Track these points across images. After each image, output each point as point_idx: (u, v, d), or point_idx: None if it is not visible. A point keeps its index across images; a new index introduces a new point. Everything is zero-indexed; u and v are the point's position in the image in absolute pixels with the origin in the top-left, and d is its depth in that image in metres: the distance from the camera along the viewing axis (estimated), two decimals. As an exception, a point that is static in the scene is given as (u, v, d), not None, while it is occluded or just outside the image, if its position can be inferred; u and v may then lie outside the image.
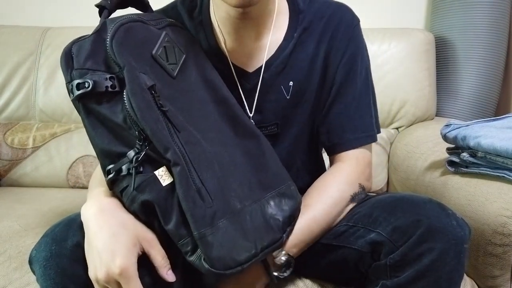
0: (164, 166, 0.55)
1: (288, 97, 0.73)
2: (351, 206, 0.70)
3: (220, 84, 0.66)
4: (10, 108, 1.38)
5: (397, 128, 1.35)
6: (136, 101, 0.53)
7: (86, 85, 0.54)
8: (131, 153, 0.55)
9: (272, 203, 0.63)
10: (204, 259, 0.53)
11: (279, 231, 0.61)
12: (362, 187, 0.72)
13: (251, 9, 0.63)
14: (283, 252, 0.63)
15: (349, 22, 0.74)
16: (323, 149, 0.83)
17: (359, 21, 0.75)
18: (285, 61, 0.72)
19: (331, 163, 0.78)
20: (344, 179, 0.71)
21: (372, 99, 0.77)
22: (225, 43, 0.71)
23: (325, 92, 0.75)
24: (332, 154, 0.77)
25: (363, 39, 0.76)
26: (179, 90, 0.60)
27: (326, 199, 0.69)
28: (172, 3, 0.75)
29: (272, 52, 0.72)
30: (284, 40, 0.72)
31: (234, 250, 0.55)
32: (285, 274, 0.64)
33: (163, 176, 0.55)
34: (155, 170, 0.55)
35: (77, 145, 1.33)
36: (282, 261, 0.63)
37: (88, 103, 0.56)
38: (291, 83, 0.73)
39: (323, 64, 0.73)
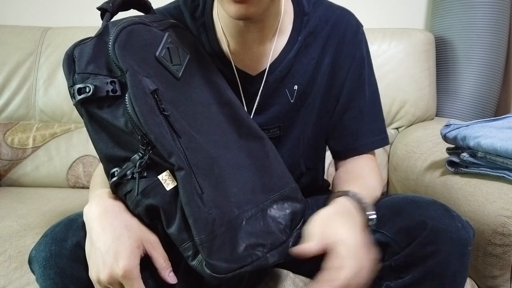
0: (168, 170, 0.54)
1: (292, 101, 0.73)
2: None
3: (224, 86, 0.66)
4: (10, 108, 1.38)
5: (397, 128, 1.35)
6: (139, 106, 0.52)
7: (87, 90, 0.53)
8: (135, 158, 0.55)
9: (274, 206, 0.63)
10: (205, 264, 0.53)
11: (282, 234, 0.61)
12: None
13: (253, 17, 0.62)
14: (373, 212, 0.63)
15: (355, 28, 0.75)
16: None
17: (362, 26, 0.77)
18: (289, 65, 0.72)
19: (340, 167, 0.79)
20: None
21: (380, 103, 0.79)
22: (228, 46, 0.71)
23: (332, 96, 0.75)
24: (344, 158, 0.78)
25: (367, 43, 0.78)
26: (183, 92, 0.60)
27: (375, 176, 0.73)
28: (174, 2, 0.75)
29: (276, 55, 0.72)
30: (288, 43, 0.72)
31: (233, 256, 0.55)
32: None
33: (166, 180, 0.54)
34: (158, 174, 0.55)
35: (77, 145, 1.33)
36: (373, 218, 0.62)
37: (90, 108, 0.55)
38: (295, 87, 0.72)
39: (330, 69, 0.74)
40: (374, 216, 0.62)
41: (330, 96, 0.75)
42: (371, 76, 0.78)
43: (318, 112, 0.75)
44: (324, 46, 0.73)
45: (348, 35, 0.74)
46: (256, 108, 0.72)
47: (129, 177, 0.55)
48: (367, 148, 0.77)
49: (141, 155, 0.54)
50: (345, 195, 0.63)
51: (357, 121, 0.76)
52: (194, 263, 0.54)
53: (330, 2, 0.76)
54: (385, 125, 0.79)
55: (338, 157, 0.80)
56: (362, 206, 0.62)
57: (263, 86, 0.71)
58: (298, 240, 0.64)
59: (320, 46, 0.73)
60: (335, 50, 0.73)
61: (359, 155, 0.77)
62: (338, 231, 0.57)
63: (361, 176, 0.73)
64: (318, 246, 0.56)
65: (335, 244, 0.55)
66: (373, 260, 0.56)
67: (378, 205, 0.66)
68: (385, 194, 0.75)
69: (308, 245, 0.56)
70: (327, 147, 0.83)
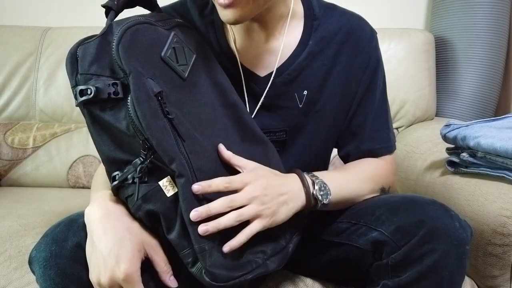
0: (169, 176, 0.54)
1: (300, 106, 0.72)
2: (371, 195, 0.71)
3: (229, 88, 0.66)
4: (10, 108, 1.38)
5: (397, 128, 1.35)
6: (141, 110, 0.52)
7: (89, 91, 0.52)
8: (136, 162, 0.54)
9: None
10: (204, 272, 0.53)
11: (283, 240, 0.61)
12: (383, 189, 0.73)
13: (245, 20, 0.62)
14: (320, 179, 0.63)
15: (369, 36, 0.74)
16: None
17: (376, 33, 0.76)
18: (299, 68, 0.71)
19: None
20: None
21: (388, 111, 0.78)
22: (235, 43, 0.71)
23: (344, 106, 0.74)
24: (348, 162, 0.78)
25: (380, 51, 0.77)
26: (188, 92, 0.59)
27: (363, 170, 0.72)
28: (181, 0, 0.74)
29: (285, 58, 0.71)
30: (298, 46, 0.71)
31: (233, 263, 0.55)
32: (325, 202, 0.62)
33: (167, 186, 0.54)
34: (160, 179, 0.54)
35: (77, 145, 1.33)
36: (320, 184, 0.62)
37: (92, 109, 0.55)
38: (305, 92, 0.72)
39: (343, 78, 0.73)
40: (324, 202, 0.62)
41: (342, 105, 0.74)
42: (382, 84, 0.77)
43: (329, 121, 0.74)
44: (337, 53, 0.72)
45: (362, 43, 0.73)
46: (261, 109, 0.71)
47: (130, 181, 0.55)
48: (366, 155, 0.76)
49: (142, 159, 0.54)
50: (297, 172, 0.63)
51: (360, 128, 0.75)
52: (193, 270, 0.54)
53: (343, 9, 0.75)
54: (391, 133, 0.78)
55: (344, 161, 0.80)
56: (311, 180, 0.62)
57: (269, 87, 0.71)
58: (298, 245, 0.64)
59: (333, 52, 0.72)
60: (348, 59, 0.72)
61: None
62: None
63: (345, 168, 0.73)
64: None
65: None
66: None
67: (376, 204, 0.66)
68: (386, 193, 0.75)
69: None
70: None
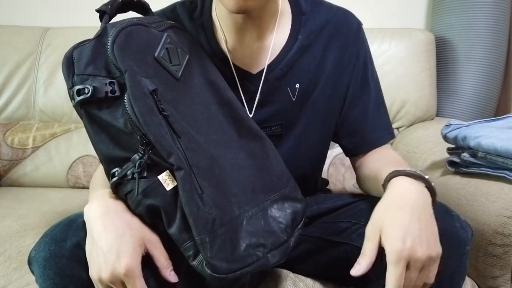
0: (168, 170, 0.54)
1: (293, 99, 0.73)
2: None
3: (223, 86, 0.66)
4: (10, 108, 1.38)
5: (397, 128, 1.35)
6: (138, 107, 0.53)
7: (86, 91, 0.53)
8: (135, 158, 0.55)
9: (275, 206, 0.63)
10: (206, 264, 0.53)
11: (283, 234, 0.61)
12: None
13: (252, 11, 0.63)
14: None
15: (356, 27, 0.76)
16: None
17: (362, 24, 0.78)
18: (290, 63, 0.72)
19: (355, 163, 0.81)
20: None
21: (384, 98, 0.81)
22: (227, 44, 0.71)
23: (337, 97, 0.76)
24: (355, 155, 0.80)
25: (367, 41, 0.79)
26: (182, 92, 0.60)
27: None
28: (171, 5, 0.75)
29: (276, 54, 0.72)
30: (288, 41, 0.73)
31: (233, 256, 0.55)
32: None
33: (166, 180, 0.54)
34: (159, 174, 0.55)
35: (77, 145, 1.33)
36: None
37: (89, 109, 0.55)
38: (297, 85, 0.73)
39: (334, 70, 0.74)
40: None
41: (335, 97, 0.76)
42: (373, 73, 0.79)
43: (323, 113, 0.76)
44: (326, 46, 0.74)
45: (351, 35, 0.75)
46: (256, 105, 0.72)
47: (130, 177, 0.55)
48: (374, 144, 0.78)
49: (140, 155, 0.54)
50: (399, 174, 0.60)
51: (362, 119, 0.77)
52: (194, 263, 0.54)
53: (330, 3, 0.77)
54: (389, 119, 0.81)
55: (350, 154, 0.82)
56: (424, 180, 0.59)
57: (263, 84, 0.72)
58: (299, 239, 0.64)
59: (322, 45, 0.73)
60: (338, 51, 0.74)
61: (369, 151, 0.78)
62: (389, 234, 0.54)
63: (394, 159, 0.72)
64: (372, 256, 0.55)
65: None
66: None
67: (377, 202, 0.66)
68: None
69: (364, 263, 0.55)
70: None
